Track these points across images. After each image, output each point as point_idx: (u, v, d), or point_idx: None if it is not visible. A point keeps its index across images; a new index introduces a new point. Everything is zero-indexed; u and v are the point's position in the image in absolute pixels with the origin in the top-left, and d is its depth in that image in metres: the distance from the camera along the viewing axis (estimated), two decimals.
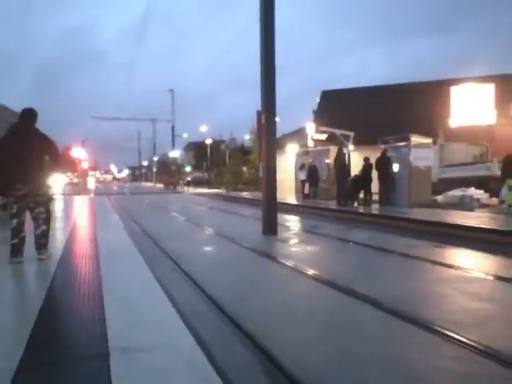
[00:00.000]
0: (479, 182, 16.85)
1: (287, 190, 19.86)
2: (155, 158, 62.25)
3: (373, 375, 2.48)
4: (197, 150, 68.64)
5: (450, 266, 5.46)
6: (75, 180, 48.64)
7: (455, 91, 24.69)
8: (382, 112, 25.01)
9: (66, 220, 11.00)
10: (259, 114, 8.76)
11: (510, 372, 2.54)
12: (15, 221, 5.08)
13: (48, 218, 5.36)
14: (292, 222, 10.99)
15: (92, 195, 27.24)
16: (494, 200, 14.64)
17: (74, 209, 15.63)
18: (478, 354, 2.73)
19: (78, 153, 34.33)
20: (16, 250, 5.06)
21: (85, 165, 43.69)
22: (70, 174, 53.44)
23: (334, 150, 16.53)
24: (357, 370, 2.57)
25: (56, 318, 3.41)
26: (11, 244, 5.09)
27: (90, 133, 74.79)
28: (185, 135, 52.77)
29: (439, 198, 16.08)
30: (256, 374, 2.54)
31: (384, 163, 13.69)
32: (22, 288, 4.47)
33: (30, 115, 5.27)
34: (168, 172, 52.45)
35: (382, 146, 14.37)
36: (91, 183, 54.92)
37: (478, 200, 15.28)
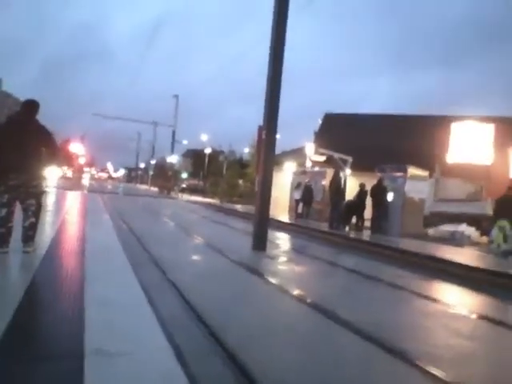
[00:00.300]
0: (471, 220, 16.96)
1: (281, 208, 19.88)
2: (153, 161, 62.23)
3: None
4: (195, 157, 68.78)
5: (433, 300, 5.46)
6: (69, 174, 48.39)
7: (455, 128, 25.03)
8: (382, 140, 25.23)
9: (56, 214, 10.91)
10: (260, 129, 8.81)
11: None
12: (4, 210, 5.01)
13: (38, 210, 5.32)
14: (282, 240, 10.97)
15: (85, 191, 27.10)
16: (485, 238, 14.72)
17: (66, 204, 15.53)
18: None
19: (76, 148, 34.21)
20: (2, 240, 5.00)
21: (81, 160, 43.57)
22: (65, 168, 53.25)
23: (330, 172, 16.62)
24: None
25: (34, 313, 3.36)
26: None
27: (89, 129, 74.87)
28: (185, 142, 52.96)
29: (430, 231, 16.15)
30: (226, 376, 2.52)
31: (379, 191, 13.76)
32: (2, 280, 4.41)
33: (32, 106, 5.27)
34: (164, 176, 52.42)
35: (379, 174, 14.47)
36: (86, 179, 54.72)
37: (468, 237, 15.36)
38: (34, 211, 5.22)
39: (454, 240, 14.54)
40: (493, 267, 8.30)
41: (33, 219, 5.21)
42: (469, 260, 9.05)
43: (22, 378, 2.25)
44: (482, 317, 4.90)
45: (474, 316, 4.95)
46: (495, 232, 10.44)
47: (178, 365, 2.51)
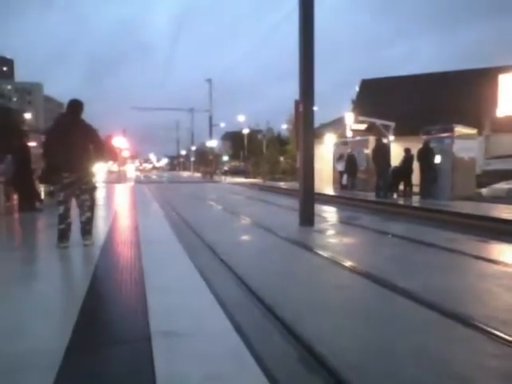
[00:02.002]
0: None
1: (325, 181, 19.67)
2: (193, 148, 63.04)
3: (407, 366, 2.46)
4: (234, 139, 69.04)
5: (492, 262, 5.28)
6: (114, 168, 49.93)
7: (504, 79, 23.52)
8: (424, 101, 24.21)
9: (107, 208, 11.36)
10: (297, 103, 8.70)
11: None
12: (62, 207, 5.31)
13: (92, 205, 5.58)
14: (329, 213, 10.90)
15: (132, 183, 27.95)
16: None
17: (115, 197, 16.11)
18: None
19: (119, 142, 35.18)
20: (62, 236, 5.30)
21: (125, 153, 44.79)
22: (110, 162, 54.95)
23: (373, 140, 16.19)
24: (387, 359, 2.55)
25: (100, 302, 3.54)
26: (58, 229, 5.33)
27: (130, 123, 76.77)
28: (222, 125, 53.13)
29: (484, 190, 15.47)
30: (289, 358, 2.58)
31: (426, 154, 13.28)
32: (68, 272, 4.68)
33: (76, 106, 5.46)
34: (205, 161, 53.03)
35: (424, 137, 13.93)
36: (131, 171, 56.33)
37: None
38: (90, 206, 5.48)
39: (511, 198, 13.87)
40: None
41: (88, 214, 5.46)
42: None
43: (96, 362, 2.40)
44: None
45: None
46: None
47: (240, 341, 2.58)
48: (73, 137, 5.23)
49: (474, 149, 14.26)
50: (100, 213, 9.39)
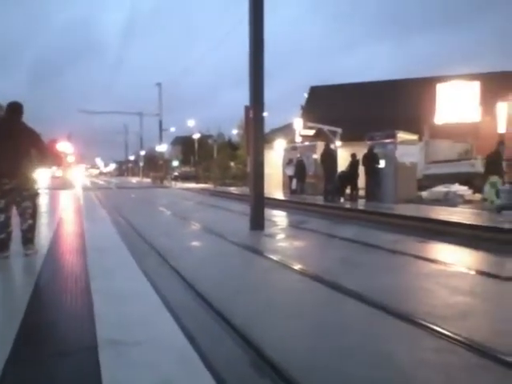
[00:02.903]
0: (463, 179, 17.09)
1: (275, 185, 19.92)
2: (142, 153, 61.71)
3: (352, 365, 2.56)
4: (184, 144, 68.27)
5: (432, 261, 5.58)
6: (59, 174, 47.90)
7: (441, 88, 24.95)
8: (369, 108, 25.19)
9: (51, 215, 10.90)
10: (247, 109, 8.78)
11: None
12: (2, 216, 5.02)
13: (34, 212, 5.32)
14: (279, 218, 11.06)
15: (78, 189, 26.95)
16: (478, 196, 14.89)
17: (60, 203, 15.47)
18: (459, 346, 2.83)
19: (64, 146, 33.84)
20: (2, 245, 5.02)
21: (70, 159, 43.15)
22: (54, 167, 52.66)
23: (321, 145, 16.61)
24: (332, 357, 2.64)
25: (43, 313, 3.41)
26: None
27: (77, 127, 74.00)
28: (172, 129, 52.44)
29: (424, 193, 16.28)
30: (239, 362, 2.61)
31: (371, 159, 13.81)
32: (8, 284, 4.45)
33: (15, 108, 5.22)
34: (155, 166, 52.11)
35: (369, 143, 14.48)
36: (80, 177, 54.23)
37: (461, 196, 15.51)
38: (31, 213, 5.23)
39: (448, 200, 14.69)
40: (486, 223, 8.45)
41: (30, 221, 5.22)
42: (462, 218, 9.19)
43: (42, 374, 2.31)
44: (479, 272, 5.03)
45: (472, 272, 5.07)
46: (487, 188, 10.57)
47: (188, 345, 2.58)
48: (13, 141, 4.99)
49: (415, 154, 14.99)
50: (44, 220, 8.99)
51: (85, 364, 2.39)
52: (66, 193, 21.74)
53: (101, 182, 47.58)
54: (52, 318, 3.25)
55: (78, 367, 2.38)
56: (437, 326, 3.12)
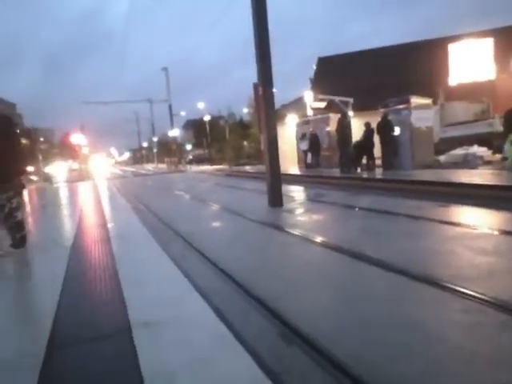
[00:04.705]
0: (482, 140, 16.76)
1: (290, 161, 19.85)
2: (155, 139, 61.96)
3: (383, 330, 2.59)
4: (196, 127, 68.20)
5: (455, 224, 5.54)
6: (74, 167, 48.52)
7: (453, 48, 24.24)
8: (380, 75, 24.68)
9: (72, 207, 11.10)
10: (256, 86, 8.70)
11: None
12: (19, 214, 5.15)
13: (14, 212, 5.20)
14: (297, 193, 11.06)
15: (95, 180, 27.31)
16: (498, 156, 14.60)
17: (79, 196, 15.73)
18: (486, 306, 2.83)
19: (78, 139, 34.11)
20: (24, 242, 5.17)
21: (85, 150, 43.54)
22: (71, 160, 53.38)
23: (333, 117, 16.43)
24: (362, 325, 2.68)
25: (76, 301, 3.51)
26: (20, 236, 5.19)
27: (89, 118, 74.41)
28: (183, 113, 52.47)
29: (442, 157, 16.04)
30: (272, 336, 2.66)
31: (385, 127, 13.61)
32: (39, 276, 4.58)
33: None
34: (169, 152, 52.31)
35: (382, 110, 14.25)
36: (99, 167, 54.74)
37: (481, 157, 15.24)
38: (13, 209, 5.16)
39: (467, 162, 14.46)
40: (508, 182, 8.30)
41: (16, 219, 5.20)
42: (483, 180, 9.04)
43: (82, 357, 2.41)
44: (502, 232, 4.97)
45: (495, 232, 5.02)
46: (507, 147, 10.35)
47: (220, 322, 2.64)
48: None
49: (431, 118, 14.72)
50: (66, 212, 9.18)
51: (121, 346, 2.47)
52: (85, 184, 22.07)
53: (117, 171, 48.09)
54: (85, 305, 3.34)
55: (115, 349, 2.46)
56: (463, 287, 3.12)
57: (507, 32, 23.86)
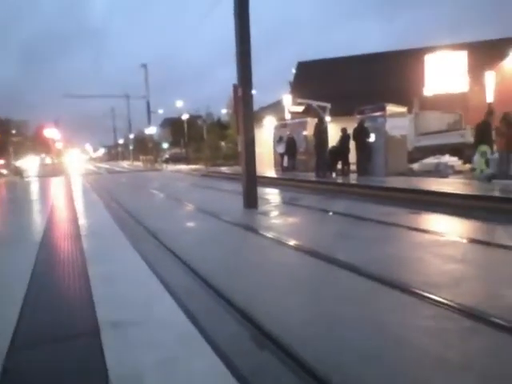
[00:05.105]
0: (454, 149, 17.20)
1: (266, 164, 19.90)
2: (131, 136, 61.13)
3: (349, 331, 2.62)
4: (173, 126, 67.54)
5: (425, 231, 5.66)
6: (47, 161, 47.41)
7: (429, 59, 24.82)
8: (358, 82, 25.03)
9: (42, 202, 10.84)
10: (235, 87, 8.70)
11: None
12: None
13: None
14: (272, 195, 11.09)
15: (68, 175, 26.73)
16: (468, 166, 15.01)
17: (51, 190, 15.37)
18: (453, 312, 2.91)
19: (52, 133, 33.34)
20: None
21: (59, 145, 42.63)
22: (44, 155, 52.12)
23: (311, 121, 16.55)
24: (331, 328, 2.70)
25: (42, 299, 3.42)
26: None
27: (65, 112, 72.95)
28: (160, 111, 51.93)
29: (415, 166, 16.39)
30: (240, 336, 2.66)
31: (361, 133, 13.81)
32: (4, 271, 4.45)
33: None
34: (145, 149, 51.70)
35: (359, 117, 14.46)
36: (74, 163, 53.57)
37: (452, 167, 15.64)
38: None
39: (439, 171, 14.81)
40: (476, 192, 8.54)
41: None
42: (453, 188, 9.29)
43: (46, 358, 2.34)
44: (470, 240, 5.12)
45: (463, 241, 5.16)
46: (477, 158, 10.65)
47: (190, 324, 2.62)
48: None
49: (405, 126, 15.02)
50: (36, 207, 8.96)
51: (88, 346, 2.42)
52: (57, 180, 21.56)
53: (92, 168, 47.22)
54: (51, 304, 3.26)
55: (81, 350, 2.41)
56: (431, 293, 3.19)
57: (480, 46, 24.57)
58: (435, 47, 25.42)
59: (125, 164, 56.76)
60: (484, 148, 10.41)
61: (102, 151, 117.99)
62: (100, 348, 2.35)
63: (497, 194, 8.07)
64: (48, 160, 47.82)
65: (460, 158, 16.38)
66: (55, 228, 6.70)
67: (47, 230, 6.27)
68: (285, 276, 4.01)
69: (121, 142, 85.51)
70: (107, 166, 49.47)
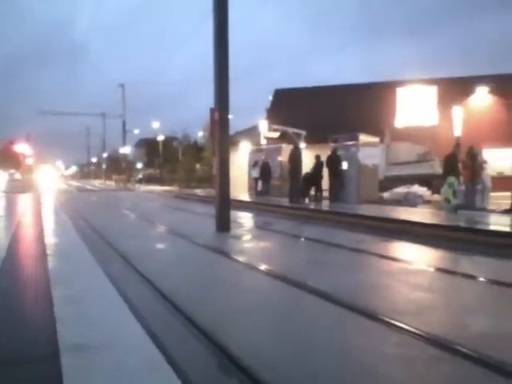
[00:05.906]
0: (423, 180, 17.69)
1: (240, 188, 19.95)
2: (105, 155, 60.38)
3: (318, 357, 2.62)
4: (148, 146, 67.20)
5: (393, 259, 5.76)
6: (16, 176, 46.12)
7: (401, 92, 25.75)
8: (332, 111, 25.62)
9: (9, 219, 10.50)
10: (213, 111, 8.79)
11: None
12: None
13: None
14: (245, 219, 11.10)
15: (37, 192, 26.02)
16: (436, 196, 15.45)
17: (19, 207, 14.93)
18: (418, 340, 2.95)
19: (22, 148, 32.58)
20: None
21: (29, 161, 41.63)
22: (14, 170, 50.70)
23: (286, 147, 16.79)
24: (298, 355, 2.70)
25: (3, 317, 3.29)
26: None
27: (37, 128, 71.51)
28: (136, 131, 51.63)
29: (385, 194, 16.75)
30: (206, 362, 2.61)
31: (334, 161, 14.07)
32: None
33: None
34: (118, 169, 51.11)
35: (332, 145, 14.76)
36: (46, 180, 52.26)
37: (421, 196, 16.06)
38: None
39: (408, 201, 15.18)
40: (444, 222, 8.79)
41: None
42: (421, 218, 9.53)
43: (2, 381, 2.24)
44: (437, 269, 5.24)
45: (430, 269, 5.27)
46: (445, 189, 10.98)
47: (155, 348, 2.56)
48: None
49: (377, 156, 15.42)
50: (0, 224, 8.67)
51: (46, 371, 2.33)
52: (26, 196, 20.97)
53: (62, 185, 46.19)
54: (10, 325, 3.14)
55: (38, 375, 2.32)
56: (397, 321, 3.23)
57: (450, 82, 25.65)
58: (407, 81, 26.43)
59: (96, 183, 55.80)
60: (452, 179, 10.77)
61: (73, 169, 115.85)
62: (59, 372, 2.27)
63: (462, 224, 8.32)
64: (18, 176, 46.50)
65: (429, 188, 16.85)
66: (20, 246, 6.49)
67: (11, 249, 6.06)
68: (252, 301, 3.99)
69: (94, 160, 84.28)
70: (78, 184, 48.50)
